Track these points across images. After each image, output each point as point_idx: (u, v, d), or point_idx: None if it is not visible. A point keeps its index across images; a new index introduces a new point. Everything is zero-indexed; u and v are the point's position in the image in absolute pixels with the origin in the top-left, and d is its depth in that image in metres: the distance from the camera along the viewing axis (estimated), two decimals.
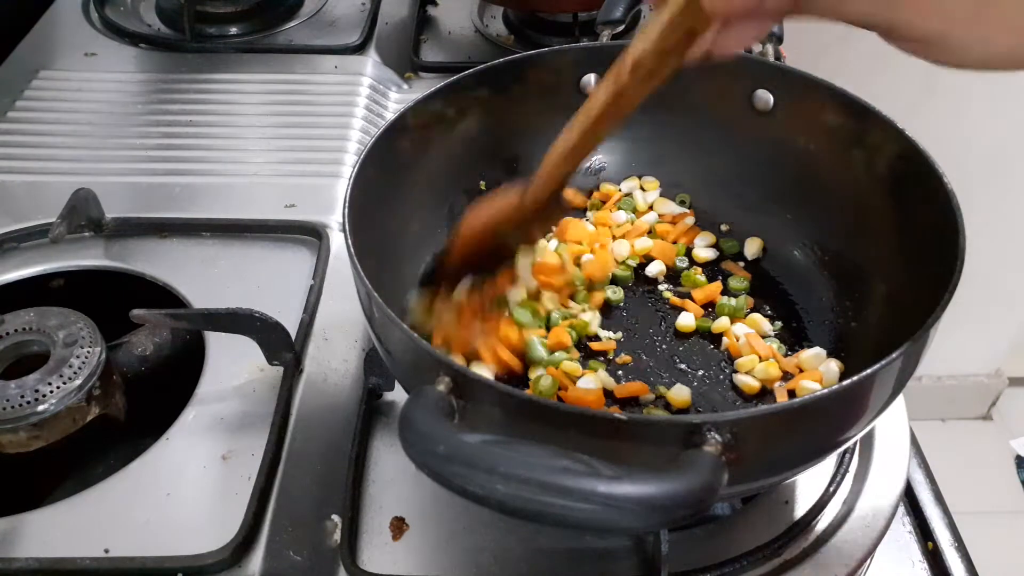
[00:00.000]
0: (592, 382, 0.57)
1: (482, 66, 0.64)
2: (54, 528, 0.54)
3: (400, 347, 0.48)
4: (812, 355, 0.59)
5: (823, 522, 0.55)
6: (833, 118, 0.61)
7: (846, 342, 0.60)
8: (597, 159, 0.73)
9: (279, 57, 0.97)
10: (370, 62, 0.96)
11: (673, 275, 0.67)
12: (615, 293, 0.65)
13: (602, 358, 0.61)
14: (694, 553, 0.53)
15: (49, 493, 0.64)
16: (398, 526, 0.55)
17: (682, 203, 0.71)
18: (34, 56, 0.97)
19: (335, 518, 0.55)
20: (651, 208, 0.71)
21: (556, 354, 0.59)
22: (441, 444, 0.37)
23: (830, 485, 0.56)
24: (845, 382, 0.43)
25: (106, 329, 0.61)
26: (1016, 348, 1.82)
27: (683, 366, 0.61)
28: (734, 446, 0.39)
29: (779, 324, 0.63)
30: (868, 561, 0.55)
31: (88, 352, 0.59)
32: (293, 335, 0.63)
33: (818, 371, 0.58)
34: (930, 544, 0.57)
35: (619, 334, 0.63)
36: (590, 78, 0.68)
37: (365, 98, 0.91)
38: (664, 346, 0.62)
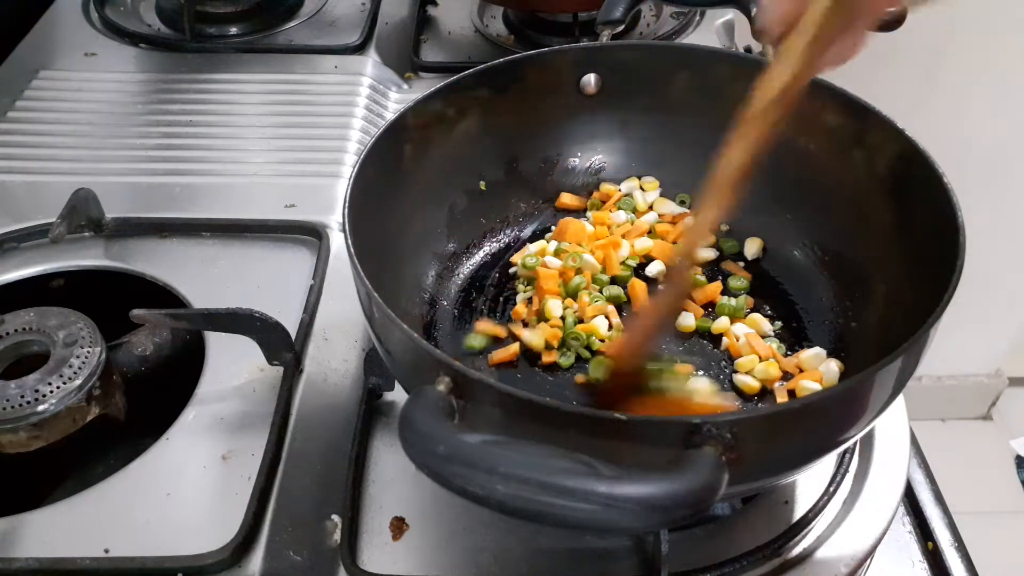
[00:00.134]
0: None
1: (482, 66, 0.64)
2: (54, 528, 0.54)
3: (400, 347, 0.48)
4: (812, 355, 0.59)
5: (823, 522, 0.55)
6: (833, 118, 0.61)
7: (846, 342, 0.60)
8: (597, 159, 0.73)
9: (279, 57, 0.97)
10: (370, 62, 0.96)
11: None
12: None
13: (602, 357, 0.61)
14: (694, 553, 0.53)
15: (49, 493, 0.64)
16: (398, 526, 0.55)
17: (682, 203, 0.71)
18: (34, 56, 0.97)
19: (335, 518, 0.55)
20: (651, 208, 0.71)
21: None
22: (441, 444, 0.37)
23: (830, 485, 0.56)
24: (845, 382, 0.43)
25: (106, 329, 0.61)
26: (1016, 348, 1.82)
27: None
28: (734, 446, 0.39)
29: (779, 324, 0.63)
30: (868, 561, 0.55)
31: (88, 352, 0.58)
32: (293, 335, 0.63)
33: (818, 371, 0.58)
34: (930, 544, 0.57)
35: (619, 334, 0.63)
36: (590, 78, 0.68)
37: (365, 98, 0.91)
38: (664, 346, 0.62)
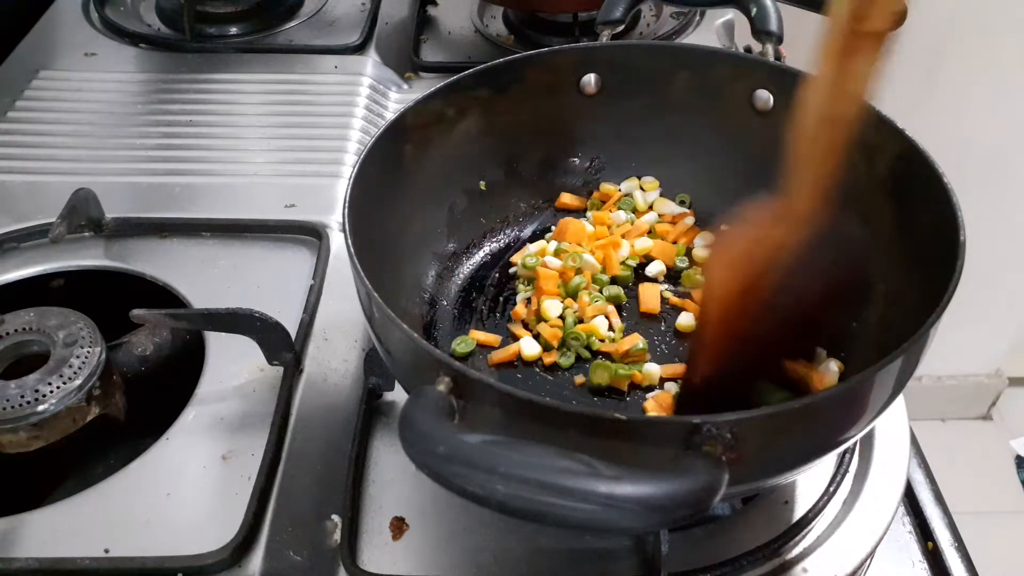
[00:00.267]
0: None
1: (482, 66, 0.64)
2: (54, 528, 0.54)
3: (400, 347, 0.48)
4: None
5: (823, 522, 0.55)
6: None
7: (846, 342, 0.60)
8: (597, 159, 0.73)
9: (279, 57, 0.97)
10: (370, 62, 0.96)
11: (673, 275, 0.67)
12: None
13: (602, 357, 0.61)
14: (694, 553, 0.53)
15: (49, 493, 0.64)
16: (398, 526, 0.55)
17: (682, 203, 0.71)
18: (34, 56, 0.97)
19: (335, 518, 0.55)
20: (651, 208, 0.71)
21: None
22: (441, 444, 0.37)
23: (830, 485, 0.56)
24: (845, 382, 0.43)
25: (106, 329, 0.61)
26: (1016, 348, 1.82)
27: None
28: (734, 446, 0.39)
29: None
30: (868, 561, 0.55)
31: (88, 352, 0.59)
32: (293, 335, 0.63)
33: (818, 371, 0.58)
34: (930, 544, 0.57)
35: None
36: (590, 78, 0.68)
37: (365, 98, 0.91)
38: (664, 346, 0.62)
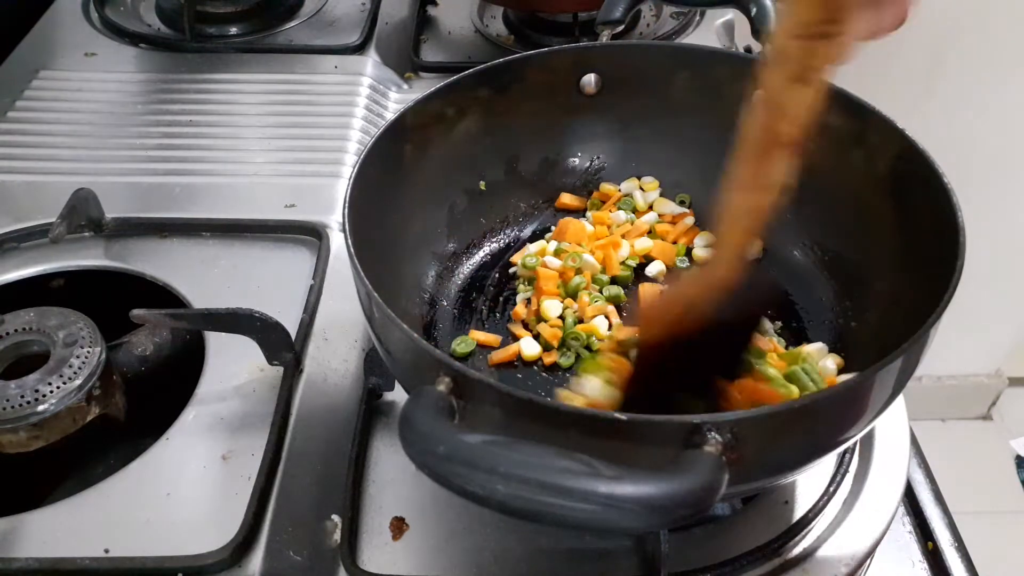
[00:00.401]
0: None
1: (482, 66, 0.64)
2: (54, 528, 0.54)
3: (400, 347, 0.48)
4: (814, 349, 0.59)
5: (823, 522, 0.55)
6: (833, 118, 0.61)
7: (846, 342, 0.60)
8: (597, 159, 0.73)
9: (279, 57, 0.97)
10: (370, 62, 0.96)
11: (673, 275, 0.67)
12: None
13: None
14: (694, 553, 0.53)
15: (49, 493, 0.64)
16: (398, 526, 0.55)
17: (682, 203, 0.71)
18: (34, 56, 0.96)
19: (335, 518, 0.55)
20: (651, 208, 0.71)
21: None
22: (441, 444, 0.37)
23: (830, 485, 0.56)
24: (845, 382, 0.43)
25: (106, 329, 0.61)
26: (1016, 348, 1.82)
27: None
28: (734, 446, 0.39)
29: (779, 324, 0.63)
30: (868, 561, 0.55)
31: (88, 352, 0.58)
32: (293, 335, 0.63)
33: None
34: (930, 544, 0.57)
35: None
36: (590, 78, 0.68)
37: (365, 98, 0.91)
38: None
